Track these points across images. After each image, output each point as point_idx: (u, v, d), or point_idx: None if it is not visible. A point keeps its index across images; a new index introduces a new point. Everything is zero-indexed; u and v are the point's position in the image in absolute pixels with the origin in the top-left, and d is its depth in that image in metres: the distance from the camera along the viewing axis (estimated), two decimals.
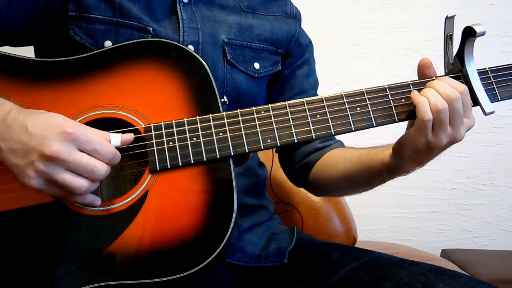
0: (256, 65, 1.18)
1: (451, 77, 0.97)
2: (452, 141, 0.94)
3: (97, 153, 0.85)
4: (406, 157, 0.98)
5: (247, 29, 1.18)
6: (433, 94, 0.92)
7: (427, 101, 0.92)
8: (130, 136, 0.91)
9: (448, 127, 0.92)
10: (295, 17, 1.29)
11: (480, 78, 0.97)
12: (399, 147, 0.99)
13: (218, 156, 0.93)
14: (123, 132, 0.91)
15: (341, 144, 1.29)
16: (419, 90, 0.95)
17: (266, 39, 1.20)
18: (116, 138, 0.89)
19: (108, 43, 1.04)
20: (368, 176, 1.10)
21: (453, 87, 0.92)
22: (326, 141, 1.27)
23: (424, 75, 0.98)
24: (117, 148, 0.88)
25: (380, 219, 2.39)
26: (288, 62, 1.27)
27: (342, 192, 1.29)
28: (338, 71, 2.37)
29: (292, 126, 0.95)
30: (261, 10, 1.24)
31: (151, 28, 1.06)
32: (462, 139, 0.95)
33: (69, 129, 0.82)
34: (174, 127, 0.94)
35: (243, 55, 1.16)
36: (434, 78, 0.97)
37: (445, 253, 2.30)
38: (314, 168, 1.25)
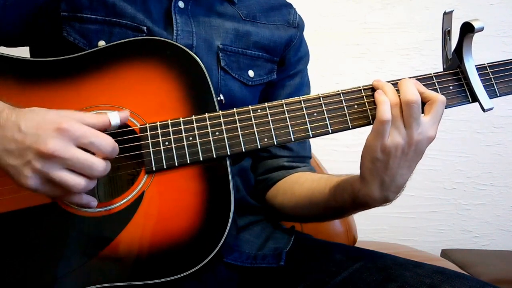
0: (251, 73, 1.17)
1: (449, 73, 0.97)
2: (409, 142, 0.90)
3: (94, 146, 0.83)
4: (367, 172, 0.94)
5: (243, 35, 1.16)
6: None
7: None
8: (126, 113, 0.90)
9: (402, 126, 0.90)
10: (298, 26, 1.26)
11: (479, 74, 0.96)
12: (360, 167, 0.95)
13: (214, 156, 0.92)
14: (116, 134, 0.90)
15: (311, 169, 1.26)
16: None
17: (263, 47, 1.19)
18: (115, 116, 0.88)
19: (101, 43, 1.03)
20: (332, 199, 1.05)
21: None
22: (294, 161, 1.25)
23: None
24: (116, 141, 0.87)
25: (380, 219, 2.39)
26: (280, 70, 1.24)
27: (299, 213, 1.19)
28: (338, 71, 2.38)
29: (289, 125, 0.94)
30: (261, 19, 1.21)
31: (145, 28, 1.05)
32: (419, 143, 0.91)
33: (64, 125, 0.81)
34: (170, 127, 0.93)
35: (237, 62, 1.15)
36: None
37: (445, 253, 2.30)
38: (275, 186, 1.22)
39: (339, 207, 1.06)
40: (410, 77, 0.95)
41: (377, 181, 0.93)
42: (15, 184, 0.83)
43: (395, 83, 0.94)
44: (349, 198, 1.00)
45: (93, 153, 0.84)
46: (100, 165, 0.83)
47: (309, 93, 1.32)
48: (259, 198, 1.26)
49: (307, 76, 1.33)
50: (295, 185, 1.18)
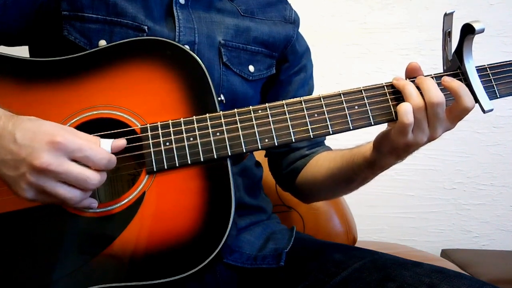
0: (251, 68, 1.18)
1: (449, 74, 0.97)
2: (430, 139, 0.96)
3: (89, 160, 0.83)
4: (385, 152, 1.00)
5: (244, 31, 1.17)
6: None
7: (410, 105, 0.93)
8: (121, 142, 0.89)
9: (426, 128, 0.94)
10: (294, 22, 1.27)
11: (479, 75, 0.96)
12: (378, 142, 1.00)
13: (215, 157, 0.92)
14: (117, 134, 0.91)
15: (327, 149, 1.30)
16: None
17: (262, 42, 1.20)
18: (107, 145, 0.87)
19: (102, 42, 1.03)
20: (351, 172, 1.11)
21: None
22: (314, 147, 1.28)
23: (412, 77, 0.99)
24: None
25: (380, 219, 2.39)
26: (285, 67, 1.27)
27: (327, 192, 1.28)
28: (338, 71, 2.38)
29: (290, 126, 0.94)
30: (259, 15, 1.22)
31: (146, 27, 1.05)
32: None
33: (58, 138, 0.81)
34: (171, 127, 0.93)
35: (238, 58, 1.16)
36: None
37: (445, 253, 2.30)
38: (300, 174, 1.27)
39: (358, 174, 1.11)
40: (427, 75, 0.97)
41: (394, 158, 1.00)
42: (13, 193, 0.83)
43: (412, 80, 0.96)
44: (366, 167, 1.06)
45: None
46: (94, 178, 0.84)
47: (313, 85, 1.35)
48: (289, 189, 1.34)
49: (311, 68, 1.35)
50: (315, 168, 1.23)
